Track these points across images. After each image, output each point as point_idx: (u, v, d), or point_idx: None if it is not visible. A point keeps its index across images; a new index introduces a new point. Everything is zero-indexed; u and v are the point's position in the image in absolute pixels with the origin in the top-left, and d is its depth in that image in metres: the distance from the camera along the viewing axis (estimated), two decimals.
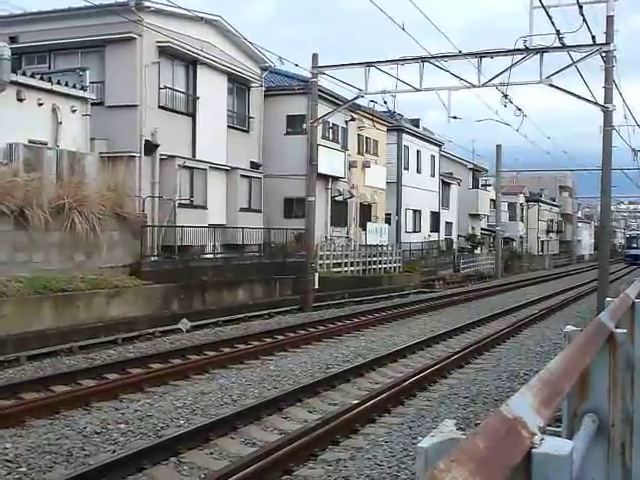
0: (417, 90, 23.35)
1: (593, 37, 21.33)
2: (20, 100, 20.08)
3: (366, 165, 39.66)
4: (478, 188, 63.03)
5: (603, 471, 2.57)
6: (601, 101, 22.15)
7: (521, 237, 76.20)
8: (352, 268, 33.59)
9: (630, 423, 3.37)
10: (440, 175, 53.47)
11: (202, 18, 26.50)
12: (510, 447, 1.19)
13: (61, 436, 9.07)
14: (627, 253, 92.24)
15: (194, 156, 27.07)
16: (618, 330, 2.88)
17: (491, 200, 63.39)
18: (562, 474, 1.29)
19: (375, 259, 36.26)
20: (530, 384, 1.55)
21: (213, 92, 28.14)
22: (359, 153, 39.46)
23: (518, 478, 1.25)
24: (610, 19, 21.54)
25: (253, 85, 31.35)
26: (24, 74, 20.59)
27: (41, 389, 11.94)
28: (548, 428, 1.46)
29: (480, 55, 22.21)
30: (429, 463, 1.20)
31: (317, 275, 26.70)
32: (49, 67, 25.44)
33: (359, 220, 39.03)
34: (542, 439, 1.30)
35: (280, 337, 18.53)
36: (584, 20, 20.01)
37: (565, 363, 1.91)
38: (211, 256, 26.13)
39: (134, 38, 24.37)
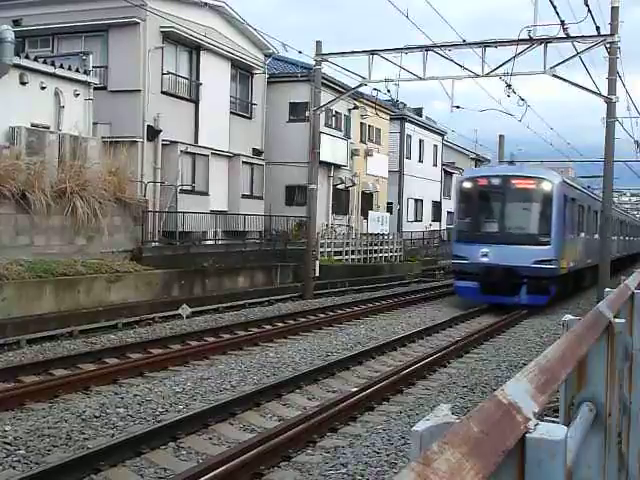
0: (420, 79, 23.27)
1: (597, 28, 21.24)
2: (23, 83, 20.04)
3: (368, 153, 39.62)
4: None
5: (599, 459, 2.58)
6: (604, 92, 22.09)
7: None
8: (353, 256, 33.61)
9: (627, 413, 3.38)
10: (442, 164, 53.41)
11: (206, 4, 26.40)
12: (504, 431, 1.19)
13: (60, 419, 9.09)
14: (456, 256, 23.38)
15: (196, 142, 27.04)
16: (616, 320, 2.88)
17: None
18: (556, 459, 1.29)
19: (376, 248, 36.27)
20: (526, 370, 1.56)
21: (216, 78, 28.08)
22: (361, 141, 39.40)
23: (512, 462, 1.26)
24: (615, 10, 21.44)
25: (256, 72, 31.28)
26: (27, 57, 20.54)
27: (41, 372, 11.96)
28: (546, 418, 1.47)
29: (484, 45, 22.13)
30: (423, 446, 1.21)
31: (318, 263, 26.71)
32: (52, 51, 25.39)
33: (360, 209, 39.02)
34: (537, 424, 1.31)
35: (280, 324, 18.55)
36: (589, 11, 19.92)
37: (562, 350, 1.92)
38: (212, 242, 26.15)
39: (137, 23, 24.31)
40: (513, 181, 22.51)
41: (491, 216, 23.17)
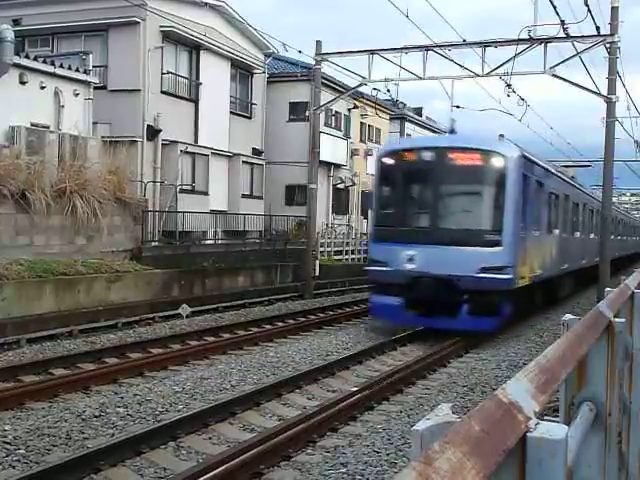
0: (420, 79, 23.24)
1: (597, 28, 21.23)
2: (23, 83, 20.02)
3: (368, 153, 39.59)
4: None
5: (600, 459, 2.58)
6: (604, 92, 22.07)
7: None
8: (353, 256, 33.61)
9: (627, 412, 3.38)
10: None
11: (206, 3, 26.39)
12: (505, 430, 1.19)
13: (60, 419, 9.08)
14: (373, 261, 17.03)
15: (196, 142, 27.03)
16: (616, 319, 2.88)
17: None
18: (556, 458, 1.29)
19: None
20: (526, 370, 1.56)
21: (216, 78, 28.08)
22: (361, 141, 39.41)
23: (513, 462, 1.26)
24: (615, 10, 21.42)
25: (256, 71, 31.28)
26: (27, 57, 20.53)
27: (41, 372, 11.96)
28: (546, 418, 1.47)
29: (484, 44, 22.12)
30: (424, 445, 1.21)
31: (318, 262, 26.71)
32: (52, 50, 25.39)
33: (360, 208, 39.01)
34: (537, 423, 1.31)
35: (280, 324, 18.55)
36: (589, 11, 19.91)
37: (562, 350, 1.92)
38: (212, 242, 26.14)
39: (137, 22, 24.31)
40: (450, 155, 16.10)
41: (420, 205, 17.07)
